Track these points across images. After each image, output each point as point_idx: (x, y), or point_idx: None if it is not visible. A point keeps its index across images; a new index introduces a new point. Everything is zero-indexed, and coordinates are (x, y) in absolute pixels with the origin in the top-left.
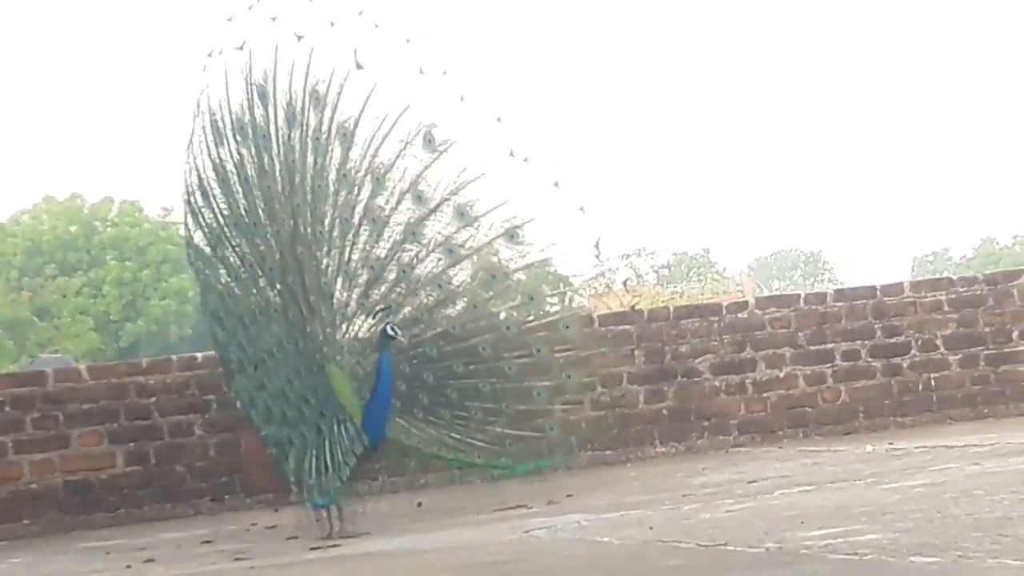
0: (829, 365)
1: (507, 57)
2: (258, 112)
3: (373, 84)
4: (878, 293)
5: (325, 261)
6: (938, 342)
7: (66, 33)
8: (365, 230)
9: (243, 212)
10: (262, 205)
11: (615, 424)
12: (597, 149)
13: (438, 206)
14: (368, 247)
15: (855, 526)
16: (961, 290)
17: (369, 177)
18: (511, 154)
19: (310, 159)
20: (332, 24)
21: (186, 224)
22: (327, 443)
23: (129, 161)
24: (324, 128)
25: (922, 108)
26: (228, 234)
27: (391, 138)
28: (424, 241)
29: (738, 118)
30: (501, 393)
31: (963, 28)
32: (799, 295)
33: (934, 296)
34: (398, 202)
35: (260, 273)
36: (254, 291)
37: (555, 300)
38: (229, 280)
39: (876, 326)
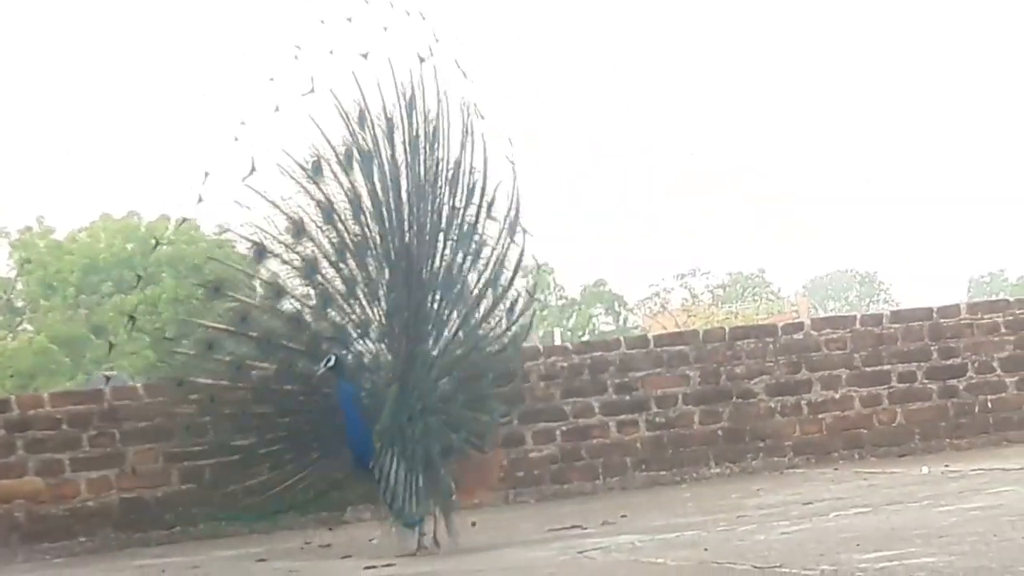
0: (885, 386)
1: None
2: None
3: None
4: (934, 315)
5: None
6: (995, 364)
7: (125, 53)
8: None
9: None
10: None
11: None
12: (653, 168)
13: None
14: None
15: (911, 549)
16: (1018, 312)
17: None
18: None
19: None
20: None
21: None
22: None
23: (186, 179)
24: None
25: (979, 127)
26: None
27: None
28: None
29: (794, 137)
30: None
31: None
32: (855, 316)
33: (991, 318)
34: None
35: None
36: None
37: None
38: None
39: (932, 348)
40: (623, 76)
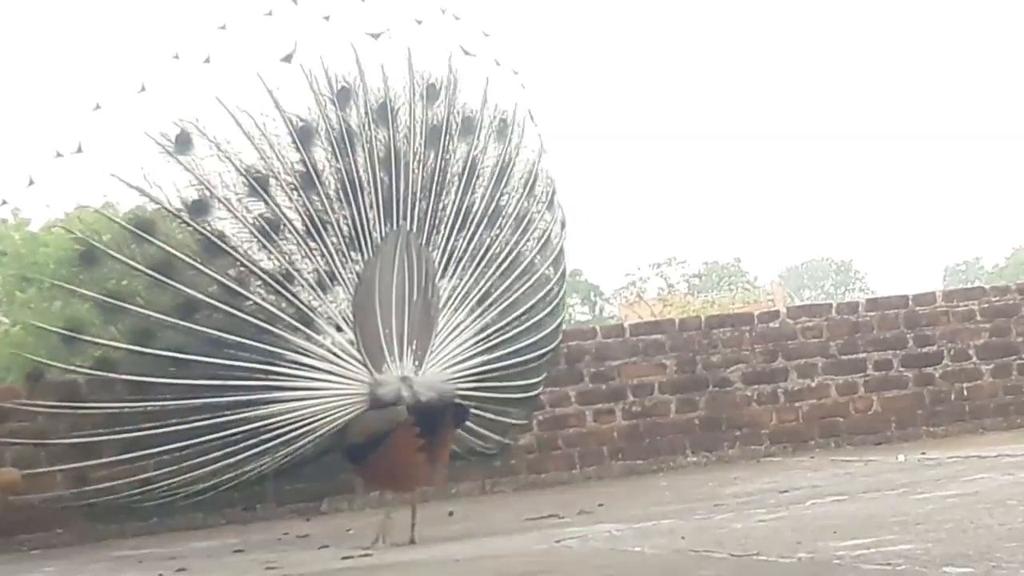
0: (861, 375)
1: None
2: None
3: None
4: (910, 303)
5: None
6: (971, 352)
7: (95, 40)
8: None
9: None
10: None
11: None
12: (628, 158)
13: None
14: None
15: (888, 536)
16: (994, 299)
17: None
18: None
19: None
20: None
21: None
22: None
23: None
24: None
25: (953, 116)
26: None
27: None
28: None
29: (769, 126)
30: None
31: (1003, 39)
32: (831, 304)
33: (966, 306)
34: None
35: None
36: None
37: None
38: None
39: (908, 336)
40: (604, 65)
